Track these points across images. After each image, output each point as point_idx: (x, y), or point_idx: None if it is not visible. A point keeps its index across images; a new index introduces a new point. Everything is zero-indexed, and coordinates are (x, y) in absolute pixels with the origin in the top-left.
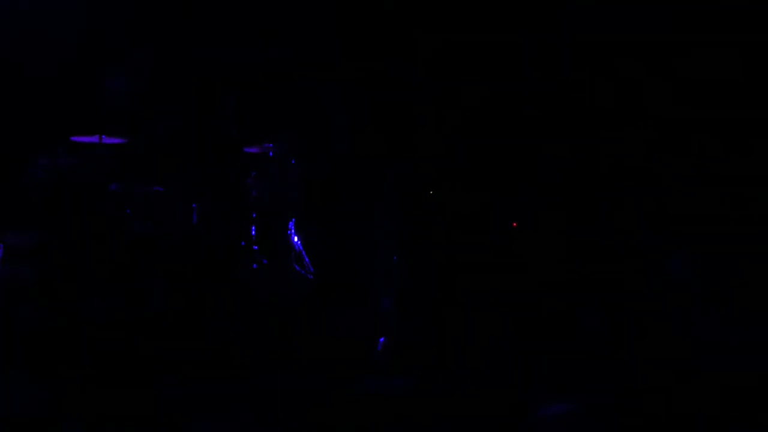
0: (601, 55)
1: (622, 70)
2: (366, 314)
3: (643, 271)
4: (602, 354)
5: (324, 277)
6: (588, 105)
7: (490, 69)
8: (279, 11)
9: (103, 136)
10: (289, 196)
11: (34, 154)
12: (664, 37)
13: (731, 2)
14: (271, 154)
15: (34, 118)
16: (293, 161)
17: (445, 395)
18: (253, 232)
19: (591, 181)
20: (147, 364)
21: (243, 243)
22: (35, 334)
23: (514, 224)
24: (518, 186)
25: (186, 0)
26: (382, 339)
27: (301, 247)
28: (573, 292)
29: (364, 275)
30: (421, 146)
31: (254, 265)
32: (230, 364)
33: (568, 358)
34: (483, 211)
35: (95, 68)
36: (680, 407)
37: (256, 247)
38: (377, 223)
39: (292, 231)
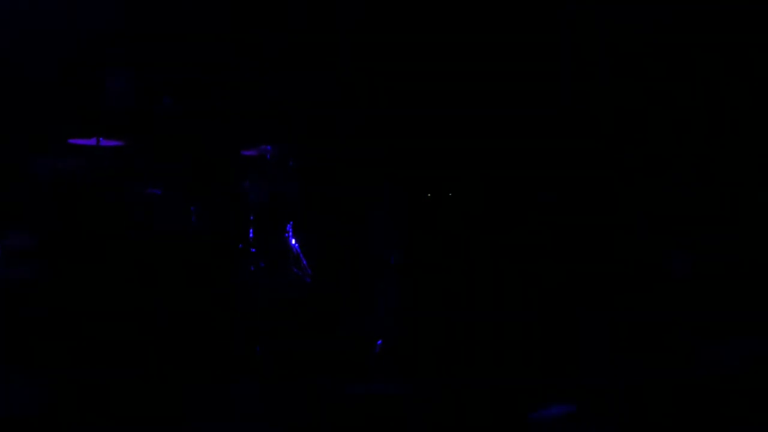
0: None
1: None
2: (364, 316)
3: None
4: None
5: (322, 279)
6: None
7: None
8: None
9: (101, 139)
10: (287, 199)
11: (34, 155)
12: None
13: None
14: (268, 156)
15: (34, 118)
16: (291, 163)
17: (444, 398)
18: (251, 235)
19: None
20: (145, 364)
21: (241, 245)
22: (35, 334)
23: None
24: (518, 186)
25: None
26: (379, 342)
27: (298, 250)
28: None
29: (362, 277)
30: (420, 147)
31: (251, 267)
32: (229, 365)
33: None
34: (483, 212)
35: (95, 69)
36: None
37: (253, 250)
38: (376, 225)
39: (290, 233)
